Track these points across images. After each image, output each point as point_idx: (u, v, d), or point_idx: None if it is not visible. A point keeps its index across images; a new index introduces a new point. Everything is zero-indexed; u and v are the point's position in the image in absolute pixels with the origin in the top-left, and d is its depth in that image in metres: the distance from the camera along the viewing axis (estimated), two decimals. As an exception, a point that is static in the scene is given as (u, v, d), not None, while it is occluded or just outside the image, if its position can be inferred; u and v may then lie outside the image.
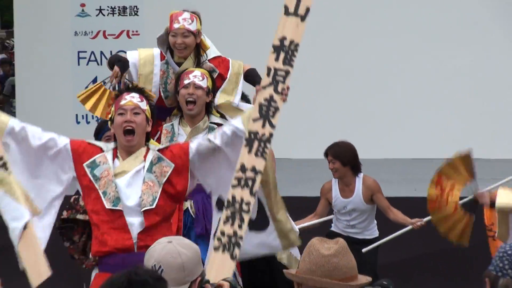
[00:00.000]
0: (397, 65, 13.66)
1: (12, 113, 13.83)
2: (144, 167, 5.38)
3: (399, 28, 13.80)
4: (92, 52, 13.40)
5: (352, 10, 14.32)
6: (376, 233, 8.11)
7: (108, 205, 5.32)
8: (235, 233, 5.32)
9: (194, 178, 5.49)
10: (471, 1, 13.88)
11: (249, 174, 5.38)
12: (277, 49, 5.52)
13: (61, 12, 13.49)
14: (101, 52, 13.36)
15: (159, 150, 5.46)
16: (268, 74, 5.47)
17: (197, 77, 6.47)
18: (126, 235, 5.33)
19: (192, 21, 6.81)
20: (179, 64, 6.81)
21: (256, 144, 5.37)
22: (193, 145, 5.39)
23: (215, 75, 6.81)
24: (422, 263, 9.59)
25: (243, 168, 5.37)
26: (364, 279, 3.86)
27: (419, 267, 9.52)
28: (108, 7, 13.44)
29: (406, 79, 13.61)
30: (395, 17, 13.79)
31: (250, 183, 5.35)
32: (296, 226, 6.19)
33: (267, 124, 5.39)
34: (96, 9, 13.36)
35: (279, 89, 5.42)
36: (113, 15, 13.47)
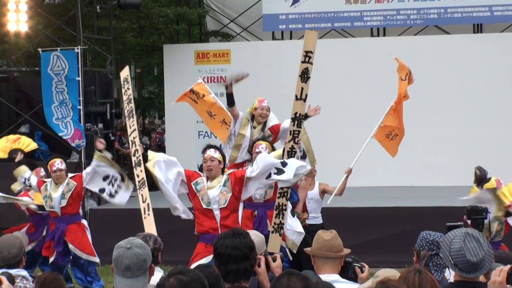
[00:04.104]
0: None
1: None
2: (220, 185, 7.96)
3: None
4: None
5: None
6: (321, 220, 10.75)
7: (204, 206, 7.98)
8: (280, 223, 7.89)
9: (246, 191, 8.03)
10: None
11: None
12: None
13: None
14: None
15: (228, 174, 8.07)
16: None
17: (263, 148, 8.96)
18: (214, 221, 7.94)
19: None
20: (254, 127, 9.83)
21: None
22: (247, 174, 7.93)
23: (271, 138, 9.68)
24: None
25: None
26: (346, 250, 5.36)
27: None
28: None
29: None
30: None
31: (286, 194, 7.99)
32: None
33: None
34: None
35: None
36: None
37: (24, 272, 5.97)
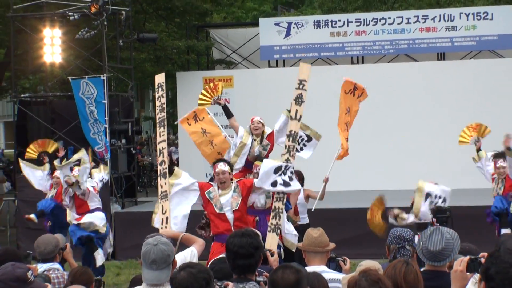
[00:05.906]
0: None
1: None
2: (231, 191, 7.82)
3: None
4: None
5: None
6: (307, 220, 10.61)
7: (217, 211, 7.78)
8: (277, 224, 7.67)
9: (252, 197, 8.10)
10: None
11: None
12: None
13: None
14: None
15: (237, 181, 8.01)
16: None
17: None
18: (228, 223, 7.75)
19: (263, 122, 9.88)
20: (255, 139, 9.72)
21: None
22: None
23: (269, 146, 9.72)
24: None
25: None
26: (332, 245, 5.40)
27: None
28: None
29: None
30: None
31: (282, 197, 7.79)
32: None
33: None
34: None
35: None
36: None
37: (57, 265, 6.05)
